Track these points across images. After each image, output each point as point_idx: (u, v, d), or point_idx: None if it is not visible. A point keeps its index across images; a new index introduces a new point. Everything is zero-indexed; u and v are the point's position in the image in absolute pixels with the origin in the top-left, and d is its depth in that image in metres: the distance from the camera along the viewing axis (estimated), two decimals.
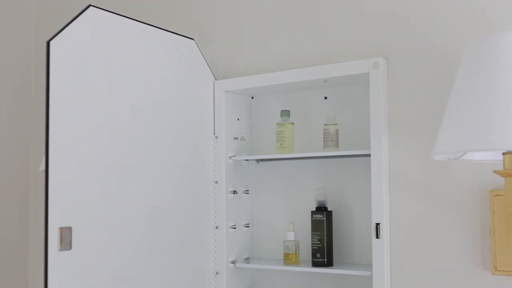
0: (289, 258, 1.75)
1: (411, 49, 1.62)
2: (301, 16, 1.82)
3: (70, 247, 1.41)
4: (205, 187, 1.83)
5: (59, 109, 1.41)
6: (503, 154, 1.23)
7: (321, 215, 1.70)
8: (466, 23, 1.54)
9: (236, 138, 1.89)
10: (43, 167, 1.41)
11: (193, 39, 1.84)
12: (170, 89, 1.73)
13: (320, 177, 1.80)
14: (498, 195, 1.45)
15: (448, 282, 1.54)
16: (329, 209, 1.73)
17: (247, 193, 1.91)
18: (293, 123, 1.81)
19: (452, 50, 1.55)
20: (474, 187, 1.51)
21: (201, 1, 2.03)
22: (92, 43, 1.50)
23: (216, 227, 1.83)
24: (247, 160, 1.90)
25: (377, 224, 1.58)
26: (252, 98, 1.95)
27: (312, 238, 1.71)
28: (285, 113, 1.81)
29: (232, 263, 1.84)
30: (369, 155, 1.61)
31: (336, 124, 1.72)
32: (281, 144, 1.79)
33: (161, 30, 1.72)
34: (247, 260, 1.88)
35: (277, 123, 1.81)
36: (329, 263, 1.69)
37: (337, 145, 1.71)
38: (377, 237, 1.57)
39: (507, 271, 1.44)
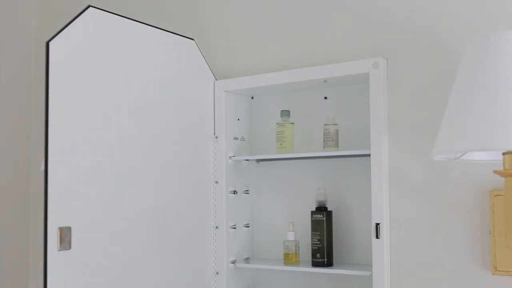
0: (289, 258, 1.75)
1: (411, 49, 1.62)
2: (301, 16, 1.82)
3: (70, 247, 1.41)
4: (205, 187, 1.83)
5: (59, 109, 1.41)
6: (503, 154, 1.23)
7: (321, 215, 1.70)
8: (466, 23, 1.54)
9: (236, 138, 1.89)
10: (43, 167, 1.41)
11: (193, 39, 1.84)
12: (170, 89, 1.73)
13: (320, 177, 1.80)
14: (498, 195, 1.45)
15: (448, 282, 1.54)
16: (329, 209, 1.73)
17: (247, 193, 1.91)
18: (293, 123, 1.81)
19: (452, 50, 1.55)
20: (474, 187, 1.51)
21: (201, 1, 2.03)
22: (91, 44, 1.50)
23: (216, 227, 1.83)
24: (247, 160, 1.90)
25: (377, 224, 1.57)
26: (252, 98, 1.95)
27: (312, 238, 1.71)
28: (285, 113, 1.81)
29: (232, 263, 1.83)
30: (369, 155, 1.61)
31: (336, 124, 1.72)
32: (281, 144, 1.79)
33: (161, 30, 1.72)
34: (247, 260, 1.88)
35: (277, 123, 1.81)
36: (329, 263, 1.69)
37: (337, 145, 1.71)
38: (377, 237, 1.57)
39: (507, 271, 1.44)
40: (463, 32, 1.54)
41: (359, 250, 1.72)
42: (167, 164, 1.70)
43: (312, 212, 1.72)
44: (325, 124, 1.72)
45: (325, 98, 1.81)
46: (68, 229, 1.41)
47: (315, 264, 1.70)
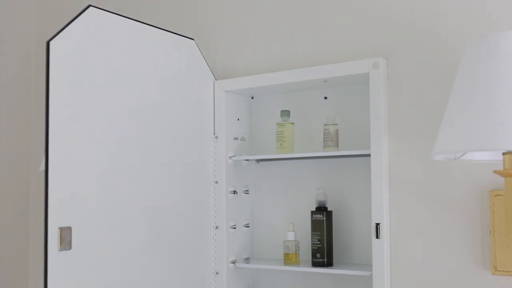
0: (289, 258, 1.75)
1: (411, 49, 1.62)
2: (301, 16, 1.82)
3: (70, 247, 1.41)
4: (205, 187, 1.83)
5: (59, 109, 1.41)
6: (503, 154, 1.23)
7: (321, 215, 1.70)
8: (466, 23, 1.54)
9: (236, 138, 1.89)
10: (43, 167, 1.41)
11: (193, 39, 1.84)
12: (170, 89, 1.73)
13: (320, 177, 1.80)
14: (498, 195, 1.45)
15: (448, 282, 1.54)
16: (329, 209, 1.73)
17: (247, 193, 1.91)
18: (293, 123, 1.81)
19: (452, 50, 1.55)
20: (474, 187, 1.51)
21: (201, 1, 2.03)
22: (92, 43, 1.50)
23: (216, 227, 1.83)
24: (247, 160, 1.90)
25: (377, 224, 1.57)
26: (252, 98, 1.95)
27: (312, 238, 1.71)
28: (285, 113, 1.81)
29: (232, 263, 1.84)
30: (369, 155, 1.61)
31: (336, 124, 1.72)
32: (281, 144, 1.79)
33: (161, 30, 1.72)
34: (247, 260, 1.88)
35: (277, 123, 1.81)
36: (329, 263, 1.69)
37: (337, 145, 1.71)
38: (377, 237, 1.57)
39: (507, 271, 1.44)
40: (463, 32, 1.54)
41: (359, 250, 1.72)
42: (167, 164, 1.70)
43: (312, 212, 1.72)
44: (325, 124, 1.72)
45: (325, 98, 1.81)
46: (69, 229, 1.41)
47: (315, 264, 1.70)
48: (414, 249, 1.58)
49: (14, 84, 2.39)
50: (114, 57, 1.56)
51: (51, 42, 1.40)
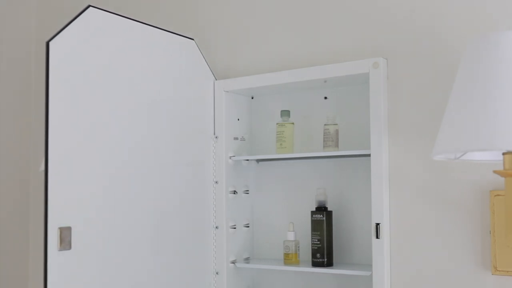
0: (289, 258, 1.75)
1: (411, 49, 1.62)
2: (301, 16, 1.82)
3: (70, 247, 1.41)
4: (205, 187, 1.83)
5: (59, 109, 1.41)
6: (503, 154, 1.23)
7: (321, 215, 1.70)
8: (466, 23, 1.54)
9: (236, 138, 1.89)
10: (43, 167, 1.41)
11: (193, 39, 1.84)
12: (170, 89, 1.73)
13: (320, 177, 1.80)
14: (498, 195, 1.45)
15: (448, 282, 1.54)
16: (329, 209, 1.73)
17: (247, 193, 1.91)
18: (293, 123, 1.81)
19: (452, 50, 1.55)
20: (474, 187, 1.51)
21: (201, 1, 2.03)
22: (91, 44, 1.50)
23: (216, 227, 1.83)
24: (247, 160, 1.90)
25: (377, 224, 1.57)
26: (252, 98, 1.95)
27: (312, 238, 1.71)
28: (285, 113, 1.81)
29: (232, 263, 1.83)
30: (369, 155, 1.61)
31: (336, 124, 1.72)
32: (281, 144, 1.79)
33: (161, 30, 1.72)
34: (247, 260, 1.88)
35: (277, 123, 1.81)
36: (329, 263, 1.69)
37: (337, 145, 1.71)
38: (377, 237, 1.57)
39: (507, 271, 1.44)
40: (463, 32, 1.54)
41: (359, 250, 1.72)
42: (167, 164, 1.70)
43: (312, 212, 1.72)
44: (325, 124, 1.72)
45: (325, 98, 1.81)
46: (68, 229, 1.41)
47: (315, 264, 1.70)
48: (414, 249, 1.58)
49: (14, 84, 2.39)
50: (114, 57, 1.56)
51: (51, 42, 1.40)
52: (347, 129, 1.75)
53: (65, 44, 1.43)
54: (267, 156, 1.82)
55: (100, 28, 1.53)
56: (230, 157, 1.85)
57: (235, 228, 1.86)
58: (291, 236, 1.76)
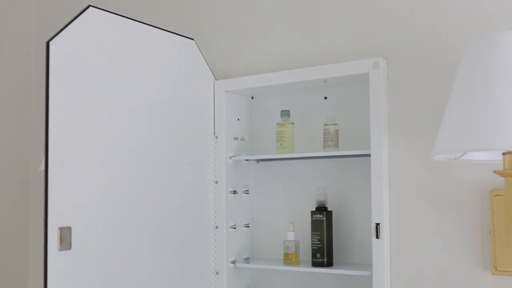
0: (289, 258, 1.75)
1: (411, 49, 1.62)
2: (301, 16, 1.82)
3: (70, 247, 1.41)
4: (205, 187, 1.83)
5: (59, 109, 1.41)
6: (503, 154, 1.23)
7: (321, 215, 1.70)
8: (466, 23, 1.54)
9: (236, 138, 1.89)
10: (43, 167, 1.41)
11: (193, 39, 1.84)
12: (170, 89, 1.73)
13: (320, 177, 1.80)
14: (498, 195, 1.45)
15: (448, 282, 1.54)
16: (329, 209, 1.73)
17: (247, 193, 1.91)
18: (293, 123, 1.81)
19: (452, 50, 1.55)
20: (474, 187, 1.51)
21: (201, 1, 2.03)
22: (91, 44, 1.50)
23: (216, 227, 1.83)
24: (247, 160, 1.90)
25: (377, 224, 1.57)
26: (252, 98, 1.95)
27: (312, 238, 1.71)
28: (285, 113, 1.81)
29: (232, 263, 1.84)
30: (369, 155, 1.61)
31: (336, 124, 1.72)
32: (281, 144, 1.79)
33: (161, 30, 1.72)
34: (247, 260, 1.88)
35: (277, 123, 1.81)
36: (329, 263, 1.69)
37: (337, 145, 1.71)
38: (377, 237, 1.57)
39: (507, 271, 1.44)
40: (463, 32, 1.54)
41: (359, 250, 1.72)
42: (167, 164, 1.70)
43: (312, 212, 1.72)
44: (325, 124, 1.72)
45: (325, 98, 1.81)
46: (68, 229, 1.41)
47: (315, 264, 1.70)
48: (414, 249, 1.58)
49: (14, 84, 2.39)
50: (114, 57, 1.56)
51: (51, 42, 1.40)
52: (347, 129, 1.75)
53: (65, 44, 1.43)
54: (267, 156, 1.82)
55: (100, 28, 1.53)
56: (230, 157, 1.85)
57: (235, 228, 1.86)
58: (291, 236, 1.76)
